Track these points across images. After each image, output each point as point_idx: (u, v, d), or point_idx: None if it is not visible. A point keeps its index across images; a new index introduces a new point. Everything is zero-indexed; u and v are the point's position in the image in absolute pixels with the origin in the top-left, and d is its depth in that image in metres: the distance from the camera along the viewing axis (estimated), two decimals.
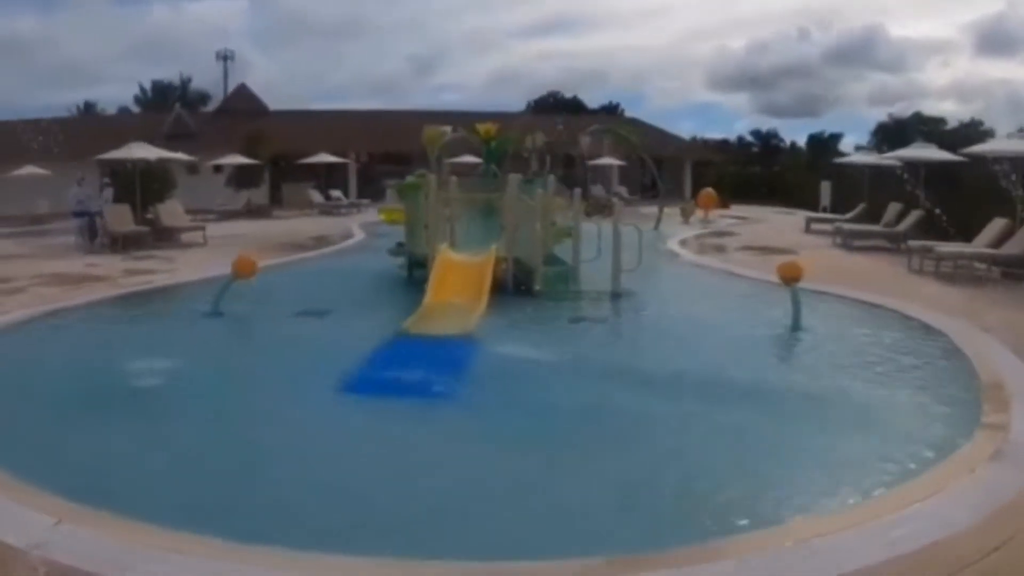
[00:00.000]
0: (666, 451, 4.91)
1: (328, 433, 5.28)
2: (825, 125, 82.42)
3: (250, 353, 7.89)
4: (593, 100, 53.04)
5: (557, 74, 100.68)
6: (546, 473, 4.55)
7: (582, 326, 9.02)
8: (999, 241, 12.06)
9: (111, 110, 48.73)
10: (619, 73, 79.48)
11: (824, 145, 49.15)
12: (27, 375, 6.50)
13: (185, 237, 17.53)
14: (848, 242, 16.64)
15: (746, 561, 3.34)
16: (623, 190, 32.36)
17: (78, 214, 17.73)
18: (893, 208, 17.51)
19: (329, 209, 29.47)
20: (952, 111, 70.37)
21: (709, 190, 26.55)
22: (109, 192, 18.32)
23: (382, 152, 35.63)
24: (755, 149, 53.32)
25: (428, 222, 10.74)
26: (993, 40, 70.26)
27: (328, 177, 33.01)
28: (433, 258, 9.92)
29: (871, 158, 22.10)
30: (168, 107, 39.69)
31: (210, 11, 78.56)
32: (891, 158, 18.51)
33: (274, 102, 39.97)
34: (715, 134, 60.04)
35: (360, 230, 20.22)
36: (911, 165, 17.49)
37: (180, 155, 20.67)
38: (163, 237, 17.07)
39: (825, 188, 26.05)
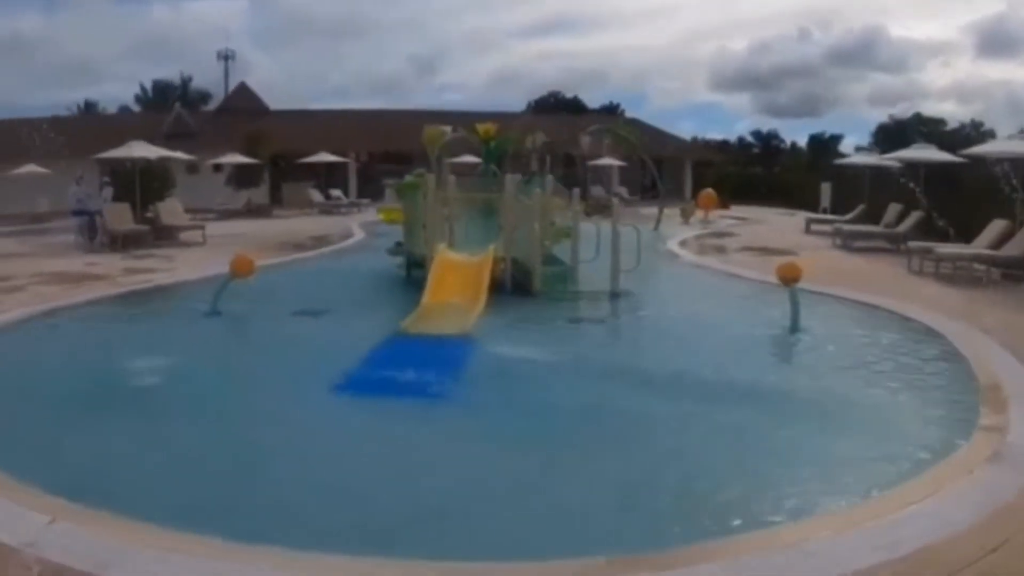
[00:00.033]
0: (663, 451, 4.91)
1: (323, 432, 5.26)
2: (826, 126, 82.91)
3: (247, 352, 7.88)
4: (594, 100, 53.14)
5: (558, 74, 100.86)
6: (543, 473, 4.54)
7: (580, 326, 9.02)
8: (999, 242, 12.04)
9: (112, 109, 48.90)
10: (620, 73, 79.54)
11: (825, 146, 49.24)
12: (24, 374, 6.49)
13: (184, 236, 17.53)
14: (848, 243, 16.63)
15: (744, 562, 3.34)
16: (623, 190, 32.35)
17: (77, 213, 17.72)
18: (893, 209, 17.50)
19: (329, 208, 29.46)
20: (953, 112, 70.60)
21: (709, 191, 26.52)
22: (109, 191, 18.32)
23: (382, 152, 35.63)
24: (756, 150, 53.41)
25: (426, 222, 10.73)
26: (994, 41, 70.46)
27: (328, 176, 33.00)
28: (431, 258, 9.91)
29: (871, 159, 22.08)
30: (168, 106, 39.68)
31: (211, 10, 78.79)
32: (891, 159, 18.50)
33: (275, 102, 40.06)
34: (716, 134, 60.01)
35: (360, 229, 20.21)
36: (911, 166, 17.49)
37: (180, 154, 20.68)
38: (162, 236, 17.06)
39: (825, 189, 26.04)
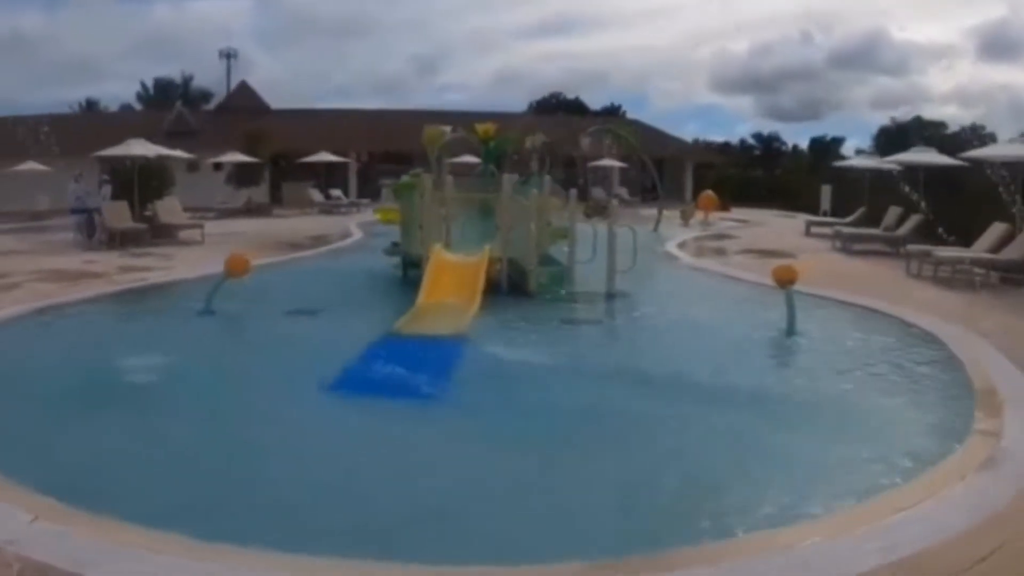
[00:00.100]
0: (656, 453, 4.89)
1: (313, 432, 5.23)
2: (827, 129, 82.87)
3: (238, 351, 7.85)
4: (595, 101, 53.17)
5: (560, 75, 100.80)
6: (536, 474, 4.52)
7: (575, 327, 8.98)
8: (998, 246, 12.01)
9: (113, 107, 49.00)
10: (621, 74, 79.70)
11: (826, 148, 49.20)
12: (14, 371, 6.45)
13: (183, 235, 17.52)
14: (847, 246, 16.61)
15: (739, 565, 3.32)
16: (623, 192, 32.34)
17: (76, 211, 17.75)
18: (893, 212, 17.47)
19: (329, 208, 29.48)
20: (955, 115, 70.54)
21: (709, 192, 26.49)
22: (107, 189, 18.34)
23: (382, 152, 35.64)
24: (757, 152, 53.37)
25: (423, 222, 10.70)
26: (996, 45, 70.48)
27: (328, 176, 33.02)
28: (427, 258, 9.89)
29: (871, 162, 22.05)
30: (170, 105, 39.72)
31: (213, 9, 78.89)
32: (891, 162, 18.47)
33: (277, 101, 40.11)
34: (717, 136, 60.19)
35: (358, 229, 20.19)
36: (910, 169, 17.45)
37: (178, 152, 20.66)
38: (161, 234, 17.05)
39: (825, 192, 26.02)
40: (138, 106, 49.72)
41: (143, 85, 52.48)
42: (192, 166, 27.01)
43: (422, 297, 8.90)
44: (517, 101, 69.16)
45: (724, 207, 27.13)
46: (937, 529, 3.59)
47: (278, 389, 6.08)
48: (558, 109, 48.68)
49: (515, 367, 6.79)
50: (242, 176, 29.24)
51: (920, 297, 10.11)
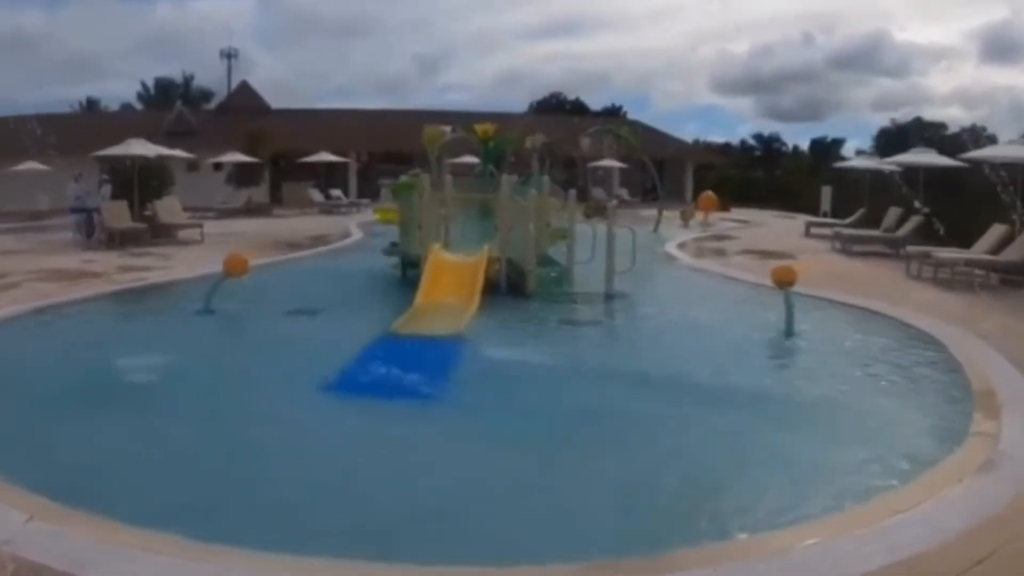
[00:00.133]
0: (655, 453, 4.88)
1: (310, 432, 5.22)
2: (828, 130, 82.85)
3: (236, 351, 7.84)
4: (596, 102, 53.18)
5: (562, 75, 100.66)
6: (535, 474, 4.52)
7: (573, 327, 8.97)
8: (998, 247, 12.00)
9: (114, 107, 48.98)
10: (623, 75, 79.57)
11: (827, 150, 49.20)
12: (13, 370, 6.44)
13: (183, 234, 17.52)
14: (847, 247, 16.59)
15: (736, 567, 3.32)
16: (624, 192, 32.34)
17: (76, 210, 17.74)
18: (893, 213, 17.46)
19: (329, 208, 29.48)
20: (956, 117, 70.46)
21: (709, 193, 26.49)
22: (107, 189, 18.32)
23: (383, 152, 35.64)
24: (757, 153, 53.37)
25: (421, 222, 10.70)
26: (998, 47, 70.38)
27: (328, 176, 33.02)
28: (426, 258, 9.88)
29: (871, 163, 22.05)
30: (170, 104, 39.72)
31: (214, 9, 78.88)
32: (891, 163, 18.46)
33: (279, 101, 40.13)
34: (718, 137, 60.18)
35: (358, 229, 20.18)
36: (910, 170, 17.44)
37: (178, 152, 20.66)
38: (160, 234, 17.05)
39: (825, 193, 26.01)
40: (139, 105, 49.76)
41: (144, 85, 52.62)
42: (192, 166, 27.00)
43: (420, 297, 8.89)
44: (518, 101, 69.13)
45: (724, 208, 27.13)
46: (936, 531, 3.58)
47: (277, 389, 6.07)
48: (558, 109, 48.69)
49: (514, 367, 6.79)
50: (242, 176, 29.23)
51: (919, 298, 10.10)
